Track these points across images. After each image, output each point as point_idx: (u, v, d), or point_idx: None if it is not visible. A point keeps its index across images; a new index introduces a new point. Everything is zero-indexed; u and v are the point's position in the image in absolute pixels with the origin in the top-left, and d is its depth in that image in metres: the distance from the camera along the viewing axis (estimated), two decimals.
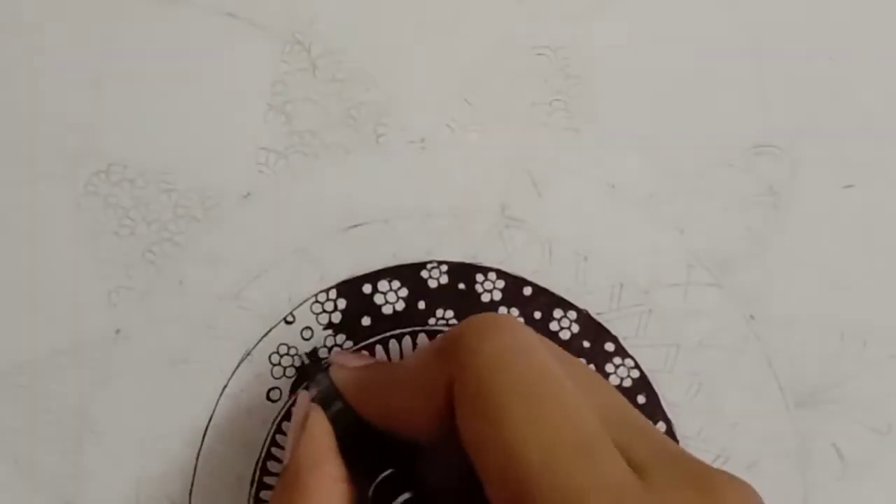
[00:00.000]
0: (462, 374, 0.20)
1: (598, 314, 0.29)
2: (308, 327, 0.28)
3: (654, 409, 0.28)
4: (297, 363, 0.28)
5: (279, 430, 0.28)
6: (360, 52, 0.29)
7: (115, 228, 0.28)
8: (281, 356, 0.28)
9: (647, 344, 0.29)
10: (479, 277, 0.29)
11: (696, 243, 0.29)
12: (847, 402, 0.29)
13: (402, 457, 0.23)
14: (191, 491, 0.28)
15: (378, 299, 0.28)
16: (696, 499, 0.18)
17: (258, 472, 0.28)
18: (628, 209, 0.29)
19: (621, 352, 0.29)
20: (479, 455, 0.19)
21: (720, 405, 0.29)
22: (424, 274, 0.28)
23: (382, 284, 0.28)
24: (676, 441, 0.28)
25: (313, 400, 0.25)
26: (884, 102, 0.30)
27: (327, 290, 0.28)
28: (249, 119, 0.29)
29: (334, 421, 0.24)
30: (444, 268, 0.28)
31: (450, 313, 0.28)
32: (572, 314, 0.29)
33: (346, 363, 0.26)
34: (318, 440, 0.24)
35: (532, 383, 0.19)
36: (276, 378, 0.28)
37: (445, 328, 0.28)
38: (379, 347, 0.28)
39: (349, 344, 0.28)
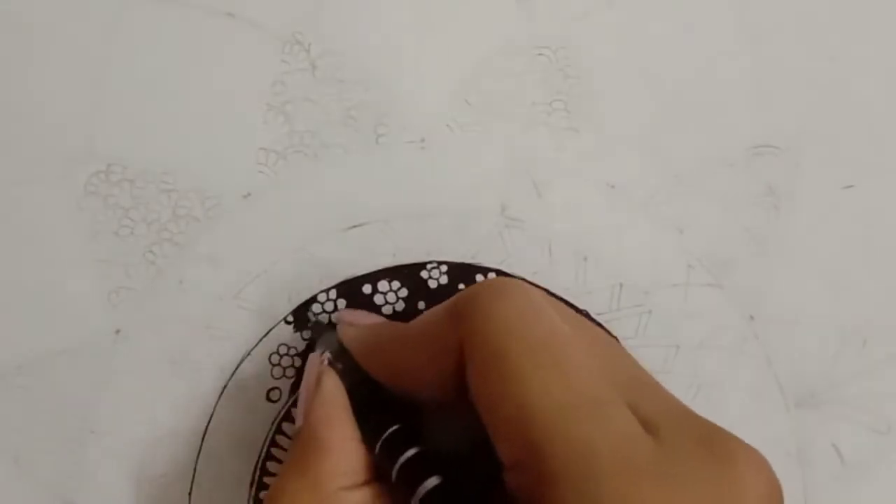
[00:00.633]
0: (474, 337, 0.20)
1: (599, 315, 0.29)
2: (308, 327, 0.28)
3: None
4: (310, 319, 0.27)
5: (279, 431, 0.28)
6: (360, 51, 0.29)
7: (115, 228, 0.28)
8: (281, 356, 0.28)
9: (647, 344, 0.29)
10: (480, 278, 0.29)
11: (696, 243, 0.29)
12: (847, 402, 0.29)
13: (408, 414, 0.23)
14: (191, 491, 0.28)
15: (378, 299, 0.28)
16: (707, 457, 0.18)
17: (258, 472, 0.28)
18: (628, 209, 0.29)
19: None
20: (490, 413, 0.20)
21: (720, 405, 0.29)
22: (424, 274, 0.28)
23: (382, 284, 0.28)
24: None
25: (320, 356, 0.25)
26: (884, 102, 0.30)
27: (327, 290, 0.28)
28: (249, 119, 0.29)
29: (341, 378, 0.24)
30: (444, 268, 0.28)
31: None
32: None
33: (355, 321, 0.26)
34: (331, 400, 0.24)
35: (543, 343, 0.20)
36: (276, 378, 0.28)
37: None
38: None
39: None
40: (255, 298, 0.28)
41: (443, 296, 0.28)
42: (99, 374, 0.28)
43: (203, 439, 0.28)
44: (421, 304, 0.28)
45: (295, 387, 0.28)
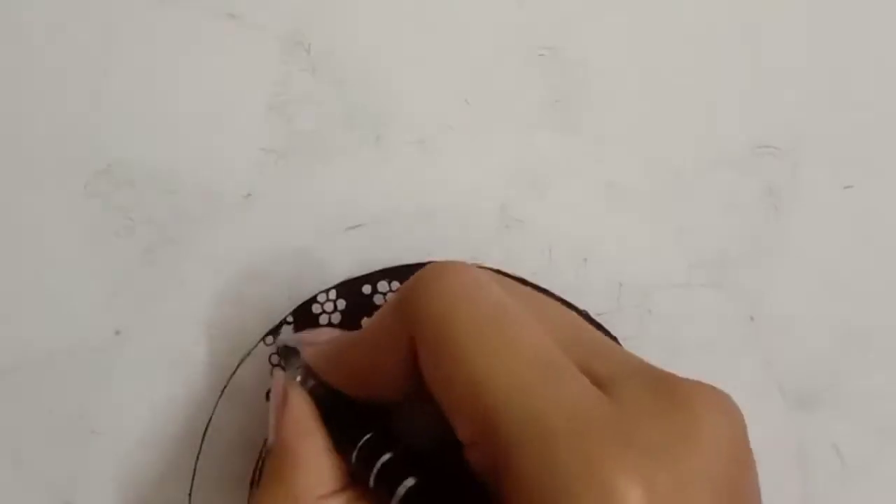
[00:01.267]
0: (418, 320, 0.20)
1: (599, 315, 0.29)
2: (308, 328, 0.28)
3: None
4: (276, 350, 0.28)
5: None
6: (360, 52, 0.29)
7: (116, 229, 0.28)
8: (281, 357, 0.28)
9: (647, 344, 0.29)
10: None
11: (696, 243, 0.29)
12: (847, 402, 0.29)
13: (379, 421, 0.23)
14: (191, 491, 0.28)
15: (378, 300, 0.28)
16: (665, 408, 0.18)
17: (258, 473, 0.28)
18: (628, 209, 0.29)
19: None
20: (444, 397, 0.20)
21: None
22: None
23: (382, 285, 0.28)
24: None
25: (290, 379, 0.25)
26: (884, 102, 0.30)
27: (327, 291, 0.28)
28: (250, 119, 0.29)
29: (311, 396, 0.24)
30: None
31: None
32: None
33: (314, 339, 0.26)
34: (300, 414, 0.24)
35: (486, 316, 0.20)
36: None
37: None
38: None
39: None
40: (255, 298, 0.28)
41: None
42: (99, 374, 0.28)
43: (203, 439, 0.28)
44: None
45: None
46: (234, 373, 0.28)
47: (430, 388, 0.20)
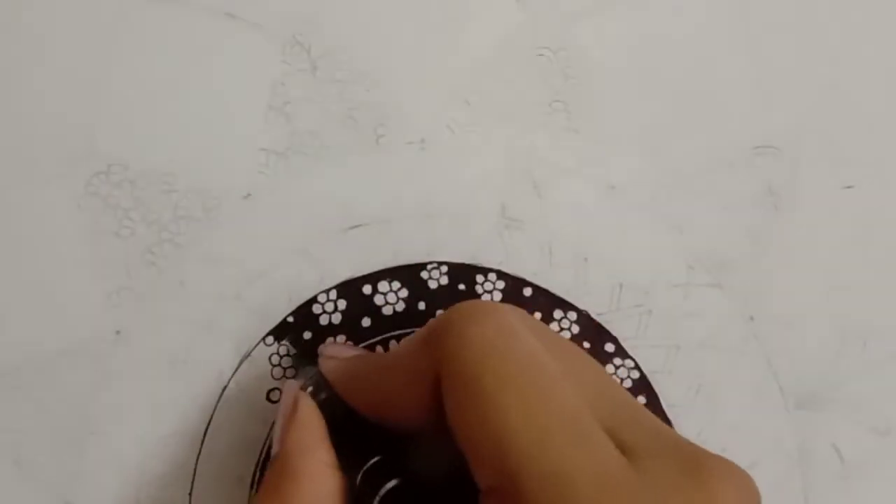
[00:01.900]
0: (449, 362, 0.20)
1: (599, 315, 0.29)
2: (308, 328, 0.28)
3: (654, 410, 0.28)
4: (288, 353, 0.28)
5: None
6: (360, 52, 0.29)
7: (116, 229, 0.28)
8: (281, 357, 0.28)
9: (647, 344, 0.29)
10: (480, 278, 0.29)
11: (696, 243, 0.29)
12: (847, 402, 0.29)
13: (389, 445, 0.23)
14: (191, 491, 0.28)
15: (378, 300, 0.28)
16: (686, 484, 0.18)
17: (258, 473, 0.28)
18: (628, 209, 0.29)
19: (621, 352, 0.29)
20: (467, 441, 0.20)
21: (720, 406, 0.29)
22: (424, 275, 0.28)
23: (382, 285, 0.28)
24: None
25: (302, 388, 0.25)
26: (884, 102, 0.30)
27: (327, 291, 0.28)
28: (249, 119, 0.29)
29: (322, 410, 0.24)
30: (445, 268, 0.28)
31: None
32: (572, 315, 0.29)
33: (337, 354, 0.26)
34: (308, 427, 0.23)
35: (519, 368, 0.20)
36: (276, 378, 0.28)
37: None
38: (379, 348, 0.28)
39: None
40: (255, 298, 0.28)
41: (443, 296, 0.28)
42: (99, 375, 0.28)
43: (203, 439, 0.28)
44: (421, 305, 0.28)
45: None
46: (234, 373, 0.28)
47: (452, 428, 0.20)
